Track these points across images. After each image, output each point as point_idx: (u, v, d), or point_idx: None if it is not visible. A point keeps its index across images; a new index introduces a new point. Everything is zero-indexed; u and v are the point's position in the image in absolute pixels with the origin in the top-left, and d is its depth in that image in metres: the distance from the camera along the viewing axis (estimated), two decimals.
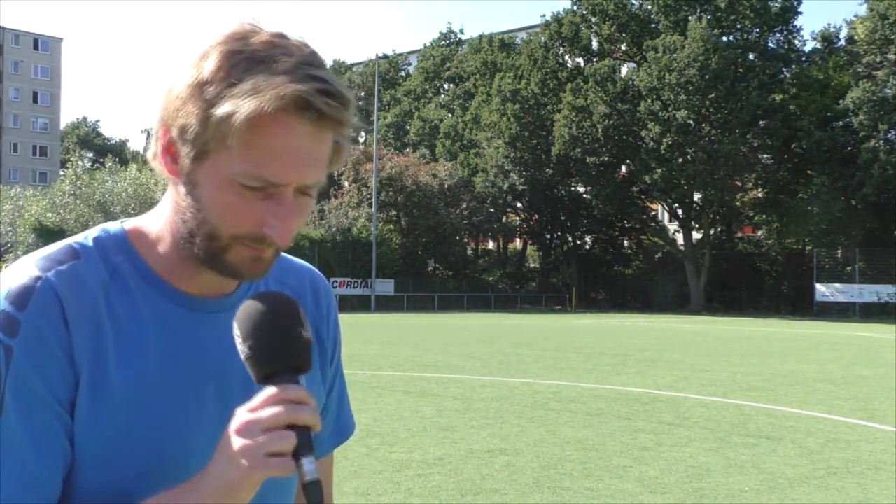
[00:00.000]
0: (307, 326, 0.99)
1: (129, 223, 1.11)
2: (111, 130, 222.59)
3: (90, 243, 1.08)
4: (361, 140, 70.91)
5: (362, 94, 72.91)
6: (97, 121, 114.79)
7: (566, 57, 52.77)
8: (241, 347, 0.96)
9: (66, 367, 0.99)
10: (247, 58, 0.97)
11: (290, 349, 0.95)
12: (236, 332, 0.97)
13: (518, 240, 61.95)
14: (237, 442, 0.91)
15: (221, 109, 0.96)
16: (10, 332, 0.97)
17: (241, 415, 0.92)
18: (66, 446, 0.99)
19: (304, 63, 0.98)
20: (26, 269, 1.02)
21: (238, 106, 0.94)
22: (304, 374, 0.96)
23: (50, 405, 0.98)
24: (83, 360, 1.00)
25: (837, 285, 44.73)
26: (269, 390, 0.92)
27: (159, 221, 1.09)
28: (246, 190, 0.98)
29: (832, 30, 47.70)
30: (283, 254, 1.23)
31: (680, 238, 51.75)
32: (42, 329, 0.98)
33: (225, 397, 1.06)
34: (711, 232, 50.91)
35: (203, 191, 1.01)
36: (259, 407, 0.92)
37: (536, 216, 57.23)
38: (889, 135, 42.41)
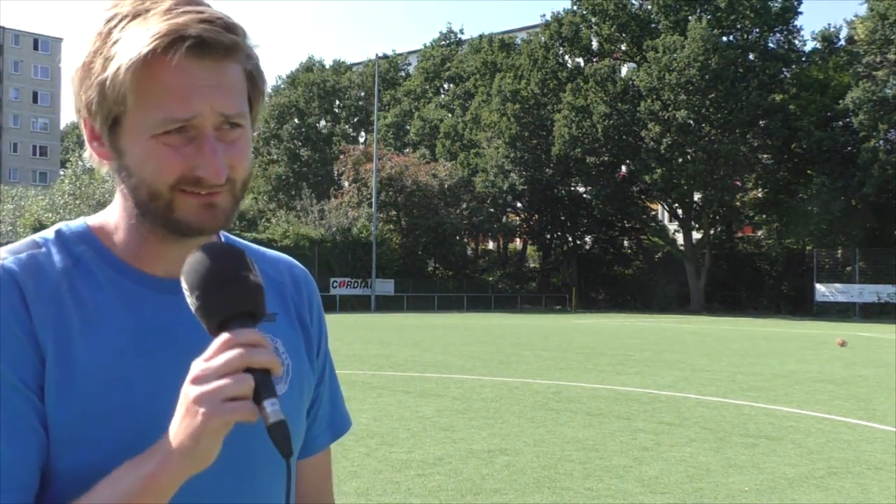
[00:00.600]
0: (255, 272, 0.96)
1: (89, 219, 1.12)
2: None
3: (52, 236, 1.08)
4: (361, 140, 70.97)
5: (362, 93, 72.90)
6: None
7: (566, 57, 52.76)
8: (190, 300, 0.94)
9: (30, 348, 0.98)
10: (121, 18, 0.99)
11: (238, 294, 0.93)
12: (184, 286, 0.95)
13: (518, 240, 61.94)
14: (193, 391, 0.88)
15: (110, 70, 0.97)
16: None
17: (197, 365, 0.90)
18: (41, 430, 0.97)
19: (179, 3, 0.99)
20: None
21: (120, 60, 0.96)
22: (259, 320, 0.94)
23: (18, 389, 0.96)
24: (47, 340, 0.99)
25: (837, 285, 44.73)
26: (222, 336, 0.90)
27: (115, 212, 1.10)
28: (165, 138, 0.98)
29: (832, 30, 47.71)
30: (261, 247, 1.25)
31: (680, 238, 51.76)
32: (0, 312, 0.97)
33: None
34: (711, 232, 50.91)
35: (129, 157, 1.01)
36: (213, 354, 0.89)
37: (536, 216, 57.23)
38: (889, 135, 42.42)
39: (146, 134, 0.98)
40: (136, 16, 0.98)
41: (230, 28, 0.99)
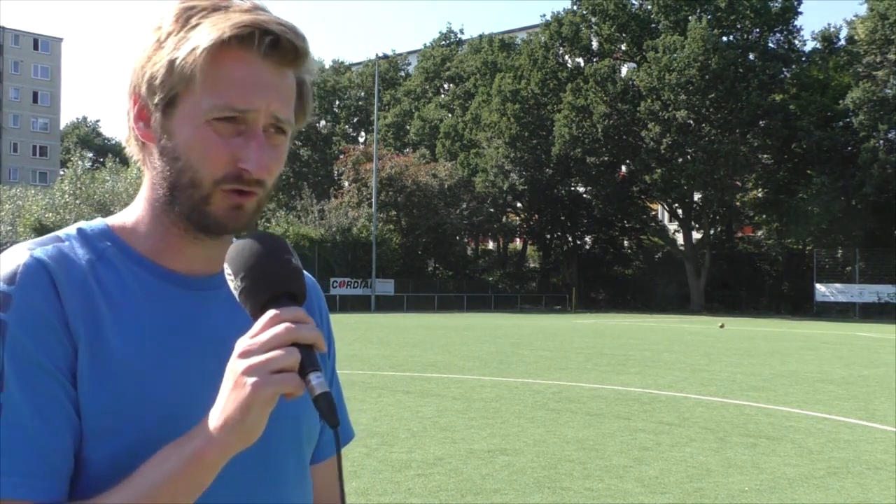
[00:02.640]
0: (295, 256, 1.00)
1: (109, 219, 1.13)
2: (111, 130, 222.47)
3: (74, 232, 1.10)
4: (361, 140, 70.96)
5: (362, 93, 72.90)
6: (97, 121, 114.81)
7: (566, 57, 52.76)
8: (235, 283, 0.97)
9: (62, 335, 0.99)
10: (201, 9, 1.03)
11: (282, 275, 0.96)
12: (228, 272, 0.98)
13: (518, 240, 61.96)
14: (241, 364, 0.90)
15: (184, 49, 1.00)
16: (2, 307, 0.97)
17: (243, 342, 0.92)
18: (74, 417, 0.98)
19: (257, 7, 1.04)
20: (13, 252, 1.03)
21: (199, 41, 0.99)
22: (300, 303, 0.96)
23: (52, 374, 0.97)
24: (79, 328, 1.00)
25: (837, 285, 44.73)
26: (269, 313, 0.92)
27: (137, 209, 1.12)
28: (218, 125, 1.01)
29: (832, 30, 47.71)
30: None
31: (680, 238, 51.77)
32: (33, 299, 0.98)
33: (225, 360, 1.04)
34: (711, 232, 50.92)
35: (178, 139, 1.03)
36: (260, 330, 0.92)
37: (536, 216, 57.23)
38: (889, 135, 42.44)
39: (201, 118, 1.01)
40: (215, 10, 1.03)
41: (301, 36, 1.05)
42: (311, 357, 0.92)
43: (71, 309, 1.00)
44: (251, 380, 0.89)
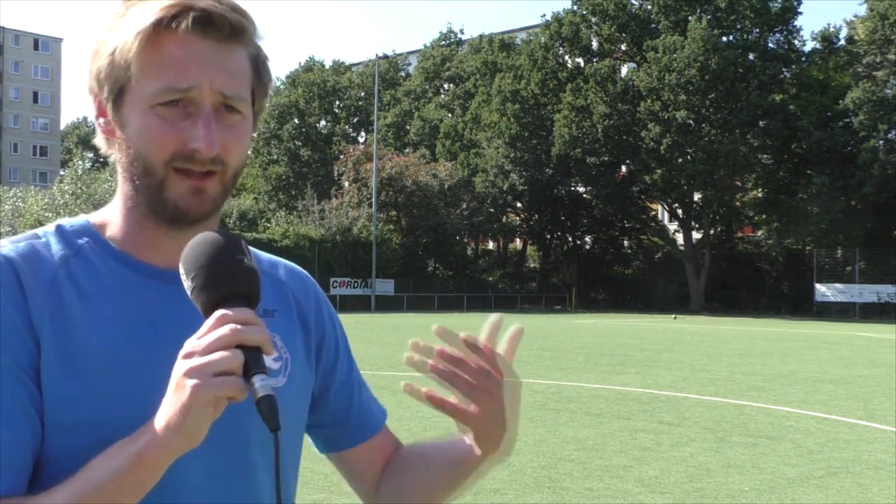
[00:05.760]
0: (250, 257, 0.98)
1: (90, 216, 1.14)
2: None
3: (52, 229, 1.11)
4: (361, 140, 70.97)
5: (362, 93, 72.89)
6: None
7: (566, 57, 52.76)
8: (186, 283, 0.96)
9: (25, 333, 0.99)
10: (136, 0, 1.03)
11: (232, 275, 0.95)
12: (181, 272, 0.97)
13: (518, 240, 61.96)
14: (184, 366, 0.89)
15: (120, 39, 1.01)
16: None
17: (190, 342, 0.91)
18: (35, 417, 0.98)
19: None
20: None
21: (131, 29, 1.00)
22: (253, 304, 0.95)
23: (14, 373, 0.97)
24: (43, 325, 1.00)
25: (837, 285, 44.73)
26: (216, 314, 0.91)
27: (115, 205, 1.12)
28: (163, 110, 1.00)
29: (832, 30, 47.70)
30: (260, 251, 1.26)
31: (680, 238, 51.77)
32: None
33: None
34: (711, 232, 50.92)
35: (130, 129, 1.03)
36: (206, 331, 0.90)
37: (536, 216, 57.24)
38: (889, 135, 42.43)
39: (145, 104, 1.01)
40: None
41: (239, 11, 1.03)
42: (257, 359, 0.90)
43: (36, 306, 1.00)
44: (191, 382, 0.87)
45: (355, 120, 73.22)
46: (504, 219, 57.83)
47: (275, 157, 70.23)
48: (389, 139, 64.83)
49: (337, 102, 73.21)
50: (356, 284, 48.01)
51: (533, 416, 9.54)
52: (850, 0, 61.15)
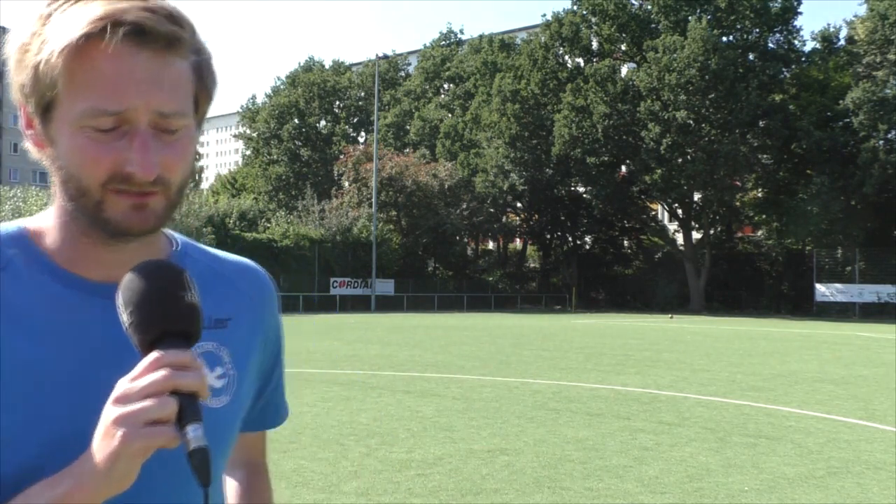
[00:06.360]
0: (193, 292, 0.93)
1: (27, 221, 1.08)
2: None
3: None
4: (361, 140, 70.97)
5: (362, 93, 72.90)
6: None
7: (566, 57, 52.79)
8: (123, 316, 0.90)
9: None
10: (63, 2, 0.94)
11: (171, 312, 0.90)
12: (118, 303, 0.91)
13: (518, 240, 62.00)
14: (114, 412, 0.84)
15: (44, 52, 0.92)
16: None
17: (121, 384, 0.86)
18: None
19: None
20: None
21: (55, 43, 0.91)
22: (193, 341, 0.91)
23: None
24: None
25: (837, 285, 44.75)
26: (151, 356, 0.86)
27: (52, 214, 1.05)
28: (97, 132, 0.93)
29: (832, 30, 47.72)
30: (219, 251, 1.21)
31: (680, 238, 51.79)
32: None
33: None
34: (711, 232, 50.95)
35: (60, 147, 0.96)
36: (139, 374, 0.86)
37: (536, 216, 57.28)
38: (889, 135, 42.44)
39: (75, 124, 0.93)
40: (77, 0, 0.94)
41: (174, 19, 0.95)
42: (193, 406, 0.85)
43: None
44: (121, 431, 0.83)
45: (355, 120, 73.26)
46: (504, 219, 57.87)
47: (275, 157, 70.26)
48: (389, 139, 64.87)
49: (337, 102, 73.25)
50: (356, 284, 48.02)
51: (533, 416, 9.54)
52: (850, 0, 61.20)
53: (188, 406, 0.85)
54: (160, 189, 0.97)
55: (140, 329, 0.89)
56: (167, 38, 0.93)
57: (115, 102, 0.92)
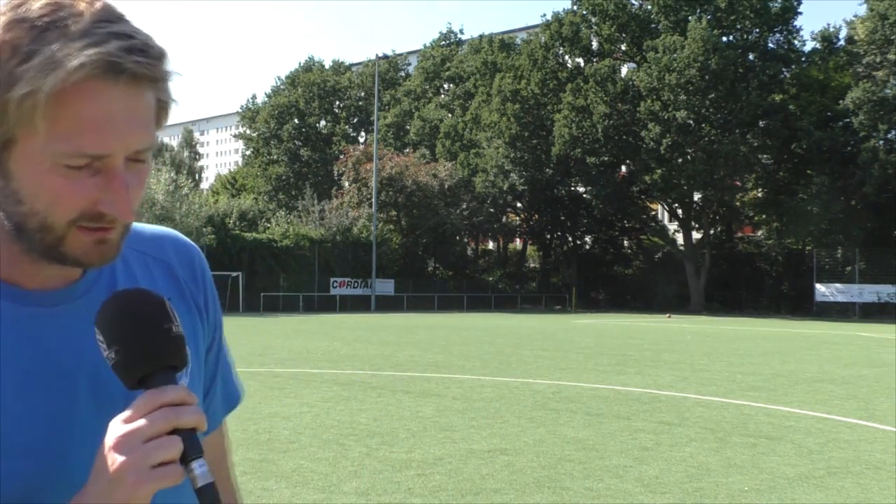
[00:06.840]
0: (176, 321, 0.90)
1: None
2: None
3: None
4: (361, 140, 70.99)
5: (362, 93, 72.91)
6: None
7: (566, 57, 52.80)
8: (108, 354, 0.87)
9: None
10: (32, 26, 0.86)
11: (161, 348, 0.87)
12: (99, 339, 0.88)
13: (518, 240, 62.01)
14: (117, 458, 0.81)
15: (19, 90, 0.85)
16: None
17: (117, 428, 0.83)
18: None
19: (100, 21, 0.88)
20: None
21: (37, 83, 0.84)
22: (179, 370, 0.89)
23: None
24: None
25: (837, 285, 44.76)
26: (145, 396, 0.84)
27: None
28: (70, 170, 0.88)
29: (832, 30, 47.74)
30: (140, 224, 1.14)
31: (680, 238, 51.80)
32: None
33: (100, 395, 0.96)
34: (711, 232, 50.97)
35: (20, 183, 0.89)
36: (136, 416, 0.83)
37: (536, 216, 57.29)
38: (889, 135, 42.47)
39: (47, 161, 0.87)
40: (51, 27, 0.86)
41: (158, 57, 0.90)
42: (194, 443, 0.84)
43: None
44: (131, 478, 0.81)
45: (355, 120, 73.28)
46: (504, 219, 57.89)
47: (275, 157, 70.29)
48: (389, 139, 64.87)
49: (337, 102, 73.27)
50: (356, 284, 48.03)
51: (533, 416, 9.54)
52: (850, 0, 61.18)
53: (190, 442, 0.84)
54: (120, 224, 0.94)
55: (128, 369, 0.86)
56: (152, 80, 0.90)
57: (98, 147, 0.87)
